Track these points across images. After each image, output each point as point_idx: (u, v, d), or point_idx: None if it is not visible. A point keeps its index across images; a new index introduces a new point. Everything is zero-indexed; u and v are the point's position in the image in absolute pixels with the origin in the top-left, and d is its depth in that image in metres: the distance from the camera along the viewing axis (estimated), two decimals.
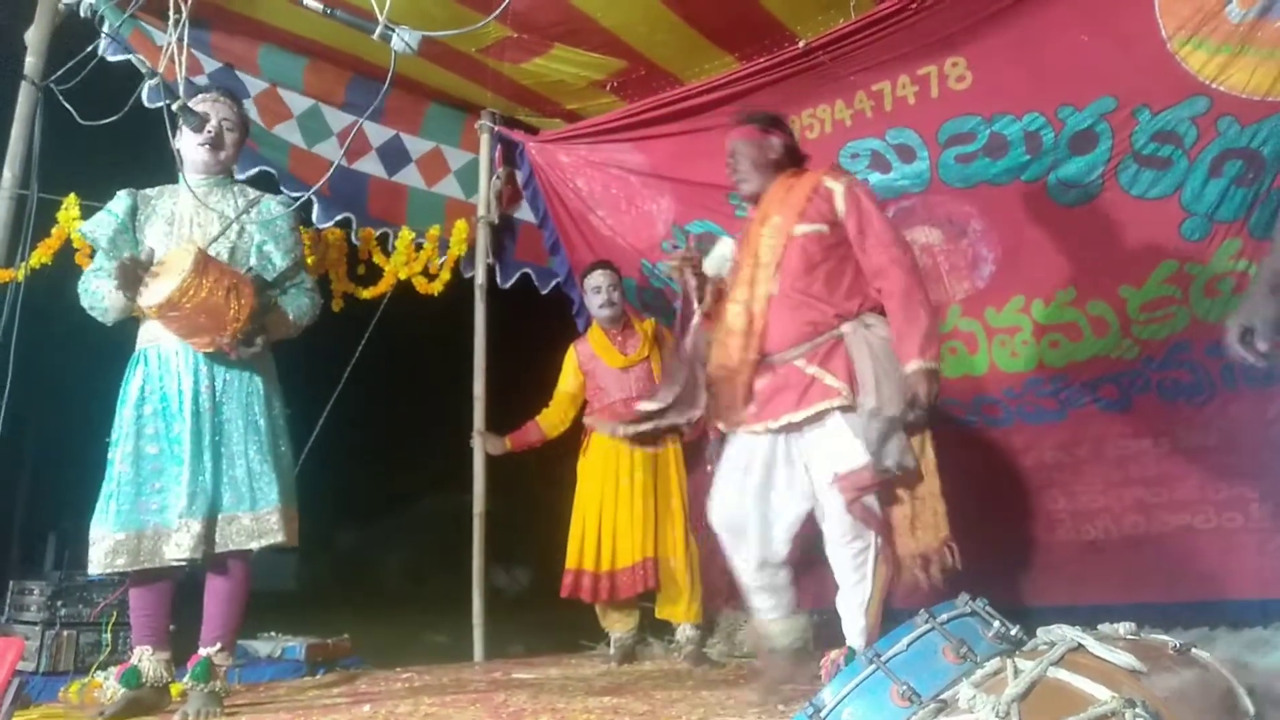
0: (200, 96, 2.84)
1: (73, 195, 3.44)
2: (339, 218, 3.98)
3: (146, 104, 3.43)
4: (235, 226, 2.76)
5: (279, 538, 2.65)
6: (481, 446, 4.12)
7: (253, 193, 2.90)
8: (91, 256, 2.97)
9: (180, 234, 2.75)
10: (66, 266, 3.44)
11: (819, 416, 2.62)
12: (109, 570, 2.62)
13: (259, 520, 2.66)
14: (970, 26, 3.18)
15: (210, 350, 2.67)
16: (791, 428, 2.67)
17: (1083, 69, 3.05)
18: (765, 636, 2.76)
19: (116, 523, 2.61)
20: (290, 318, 2.82)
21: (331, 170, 3.33)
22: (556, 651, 4.16)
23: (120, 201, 2.79)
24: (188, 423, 2.65)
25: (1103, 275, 3.29)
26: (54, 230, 3.43)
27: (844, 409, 2.60)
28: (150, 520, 2.63)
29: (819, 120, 3.63)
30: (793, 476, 2.70)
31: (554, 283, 4.59)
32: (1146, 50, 2.92)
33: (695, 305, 2.89)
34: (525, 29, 3.65)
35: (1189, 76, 2.88)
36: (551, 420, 3.95)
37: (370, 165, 4.17)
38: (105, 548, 2.59)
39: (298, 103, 3.98)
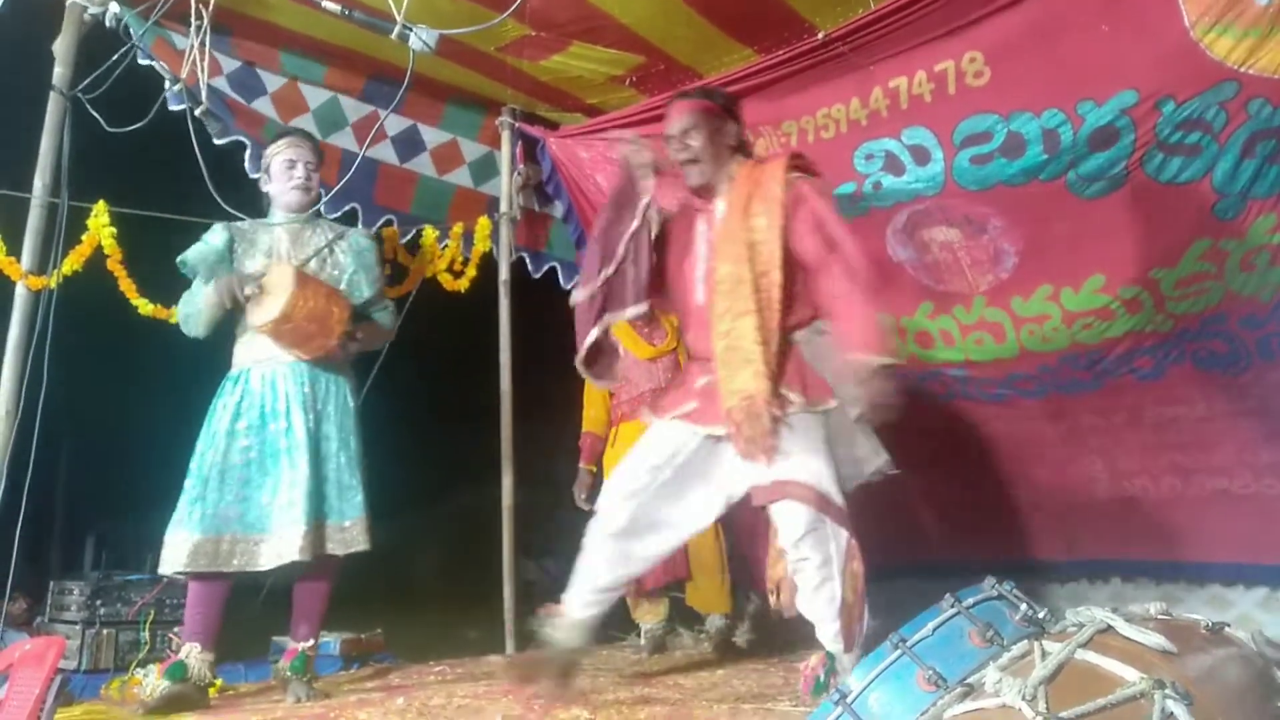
0: (284, 141, 3.10)
1: (102, 202, 3.49)
2: (345, 208, 3.99)
3: (171, 107, 3.50)
4: (324, 257, 3.07)
5: (363, 545, 2.98)
6: (583, 498, 3.84)
7: (338, 226, 3.25)
8: (183, 275, 3.09)
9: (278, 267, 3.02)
10: (99, 274, 3.50)
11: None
12: (188, 570, 2.84)
13: (346, 530, 2.95)
14: (988, 17, 3.13)
15: (322, 355, 2.96)
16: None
17: (1103, 62, 2.98)
18: (560, 627, 2.60)
19: (200, 526, 2.83)
20: (386, 327, 3.21)
21: (355, 167, 3.39)
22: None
23: (218, 234, 3.05)
24: (297, 433, 2.91)
25: (1133, 258, 3.23)
26: (84, 238, 3.47)
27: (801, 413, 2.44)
28: (230, 527, 2.86)
29: (834, 120, 3.59)
30: (707, 491, 2.53)
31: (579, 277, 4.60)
32: (1169, 40, 2.85)
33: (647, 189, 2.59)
34: (543, 27, 3.65)
35: (1215, 63, 2.81)
36: (602, 420, 3.94)
37: (382, 152, 4.18)
38: (187, 549, 2.80)
39: (315, 95, 4.00)
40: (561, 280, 4.69)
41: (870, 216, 3.53)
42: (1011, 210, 3.32)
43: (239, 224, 3.07)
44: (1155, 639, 1.16)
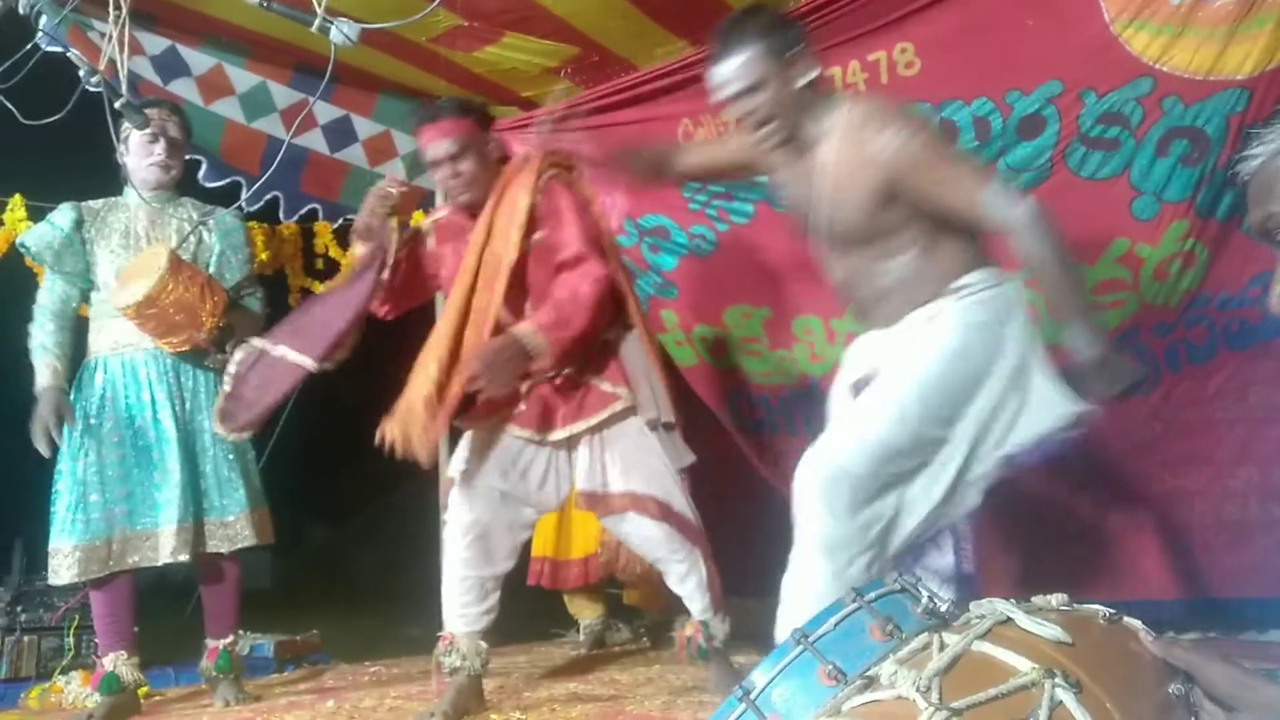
0: (149, 112, 2.85)
1: (18, 196, 3.38)
2: (266, 197, 3.92)
3: (90, 88, 3.38)
4: (193, 238, 2.84)
5: (250, 540, 2.85)
6: None
7: (204, 206, 3.00)
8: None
9: (136, 248, 2.82)
10: (14, 268, 3.39)
11: (604, 423, 2.57)
12: (82, 579, 2.72)
13: (229, 525, 2.82)
14: (917, 11, 3.19)
15: (186, 348, 2.76)
16: (573, 439, 2.61)
17: (1028, 54, 3.07)
18: (469, 655, 2.58)
19: (85, 532, 2.70)
20: (256, 314, 2.95)
21: (281, 154, 3.30)
22: (526, 640, 4.17)
23: (64, 215, 2.83)
24: (166, 429, 2.75)
25: None
26: None
27: (627, 412, 2.57)
28: (117, 527, 2.72)
29: None
30: (542, 489, 2.65)
31: None
32: (1090, 33, 2.95)
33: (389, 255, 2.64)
34: (475, 17, 3.61)
35: (1132, 58, 2.91)
36: None
37: (312, 140, 4.11)
38: (76, 557, 2.67)
39: (243, 79, 3.91)
40: None
41: None
42: None
43: (90, 203, 2.88)
44: (1051, 630, 1.18)
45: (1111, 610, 1.35)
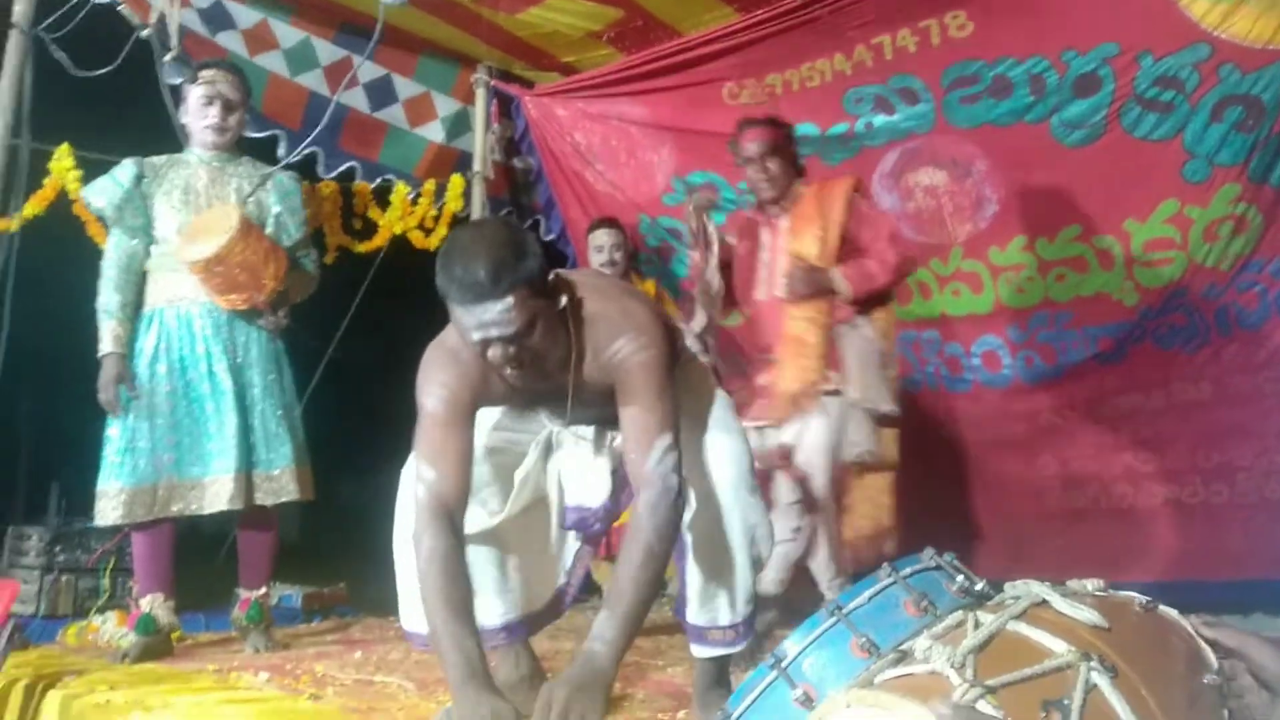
0: (205, 74, 2.92)
1: (65, 145, 3.41)
2: (306, 151, 3.92)
3: (140, 37, 3.40)
4: (247, 198, 2.90)
5: (293, 495, 2.91)
6: None
7: (263, 166, 3.05)
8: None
9: (196, 205, 2.87)
10: (63, 218, 3.44)
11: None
12: (126, 521, 2.78)
13: (274, 479, 2.88)
14: None
15: (244, 308, 2.84)
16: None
17: (1085, 16, 3.10)
18: None
19: (133, 476, 2.77)
20: (311, 275, 3.07)
21: (331, 107, 3.32)
22: None
23: (126, 170, 2.87)
24: (221, 381, 2.82)
25: (1107, 209, 3.36)
26: (47, 181, 3.41)
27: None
28: (164, 474, 2.79)
29: (819, 72, 3.61)
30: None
31: (549, 238, 4.58)
32: None
33: (712, 250, 3.05)
34: None
35: (1191, 24, 2.91)
36: None
37: (353, 98, 4.11)
38: (122, 500, 2.74)
39: (288, 34, 3.92)
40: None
41: (861, 156, 3.58)
42: (997, 152, 3.43)
43: (151, 159, 2.92)
44: (1088, 614, 1.18)
45: (1148, 598, 1.35)
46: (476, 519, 1.98)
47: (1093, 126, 3.20)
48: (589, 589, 4.13)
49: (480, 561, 2.01)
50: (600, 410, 1.89)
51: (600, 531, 2.11)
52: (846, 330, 2.95)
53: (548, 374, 1.80)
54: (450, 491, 1.79)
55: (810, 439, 2.85)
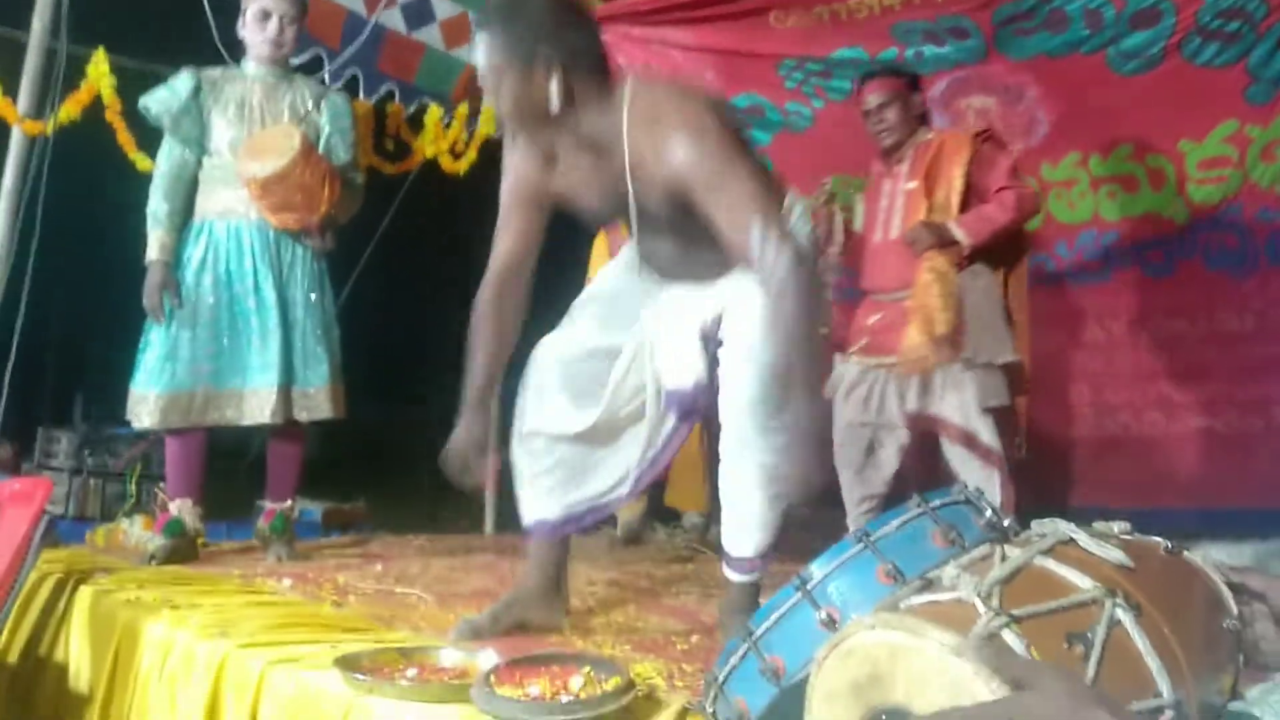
0: None
1: (101, 49, 3.39)
2: (347, 74, 3.88)
3: None
4: (300, 115, 2.93)
5: (328, 413, 2.97)
6: None
7: (317, 85, 3.09)
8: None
9: (251, 120, 2.90)
10: (97, 124, 3.43)
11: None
12: (161, 427, 2.84)
13: (310, 397, 2.93)
14: None
15: (296, 228, 2.89)
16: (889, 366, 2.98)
17: None
18: None
19: (170, 382, 2.82)
20: (357, 197, 3.11)
21: (365, 32, 3.28)
22: None
23: (183, 81, 2.90)
24: (267, 296, 2.87)
25: (1162, 130, 3.36)
26: (83, 85, 3.39)
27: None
28: (201, 383, 2.84)
29: (867, 6, 3.54)
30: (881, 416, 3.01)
31: None
32: None
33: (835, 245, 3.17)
34: None
35: None
36: None
37: (390, 19, 4.03)
38: (159, 405, 2.80)
39: None
40: None
41: None
42: (1049, 79, 3.42)
43: (209, 71, 2.95)
44: (1114, 553, 1.19)
45: (1172, 543, 1.36)
46: (571, 418, 2.14)
47: (1150, 58, 3.18)
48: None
49: (568, 457, 2.18)
50: (679, 234, 1.94)
51: (698, 413, 2.15)
52: (966, 279, 2.95)
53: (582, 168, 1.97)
54: (507, 259, 2.10)
55: (959, 398, 2.89)
